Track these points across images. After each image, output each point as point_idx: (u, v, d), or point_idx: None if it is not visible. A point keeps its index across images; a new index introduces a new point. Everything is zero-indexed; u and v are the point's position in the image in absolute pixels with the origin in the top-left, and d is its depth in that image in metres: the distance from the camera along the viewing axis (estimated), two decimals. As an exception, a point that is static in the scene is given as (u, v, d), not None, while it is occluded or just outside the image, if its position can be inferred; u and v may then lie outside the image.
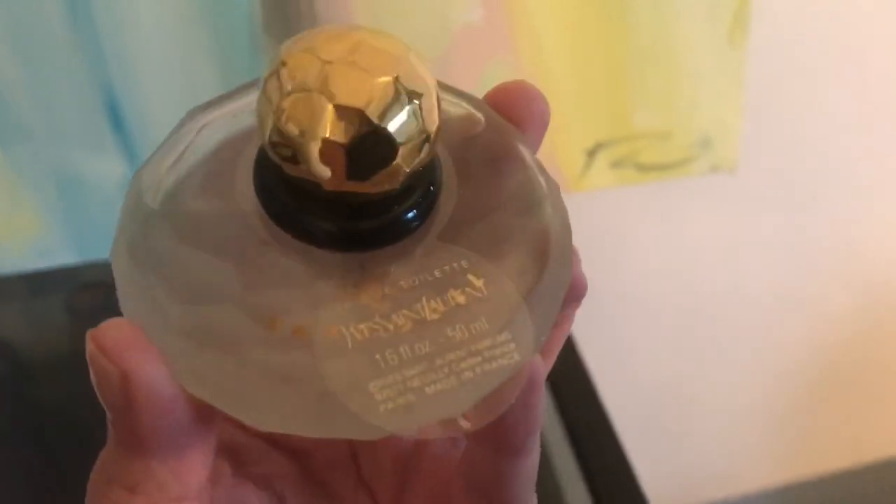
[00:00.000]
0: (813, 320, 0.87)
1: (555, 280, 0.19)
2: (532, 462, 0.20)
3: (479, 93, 0.21)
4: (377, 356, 0.17)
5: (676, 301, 0.78)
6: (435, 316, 0.18)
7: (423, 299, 0.18)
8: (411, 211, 0.19)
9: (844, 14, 0.64)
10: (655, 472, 0.71)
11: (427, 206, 0.19)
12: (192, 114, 0.21)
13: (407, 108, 0.17)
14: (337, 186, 0.17)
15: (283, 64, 0.17)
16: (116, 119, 0.53)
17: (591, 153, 0.60)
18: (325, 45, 0.17)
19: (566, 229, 0.20)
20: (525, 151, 0.21)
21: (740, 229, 0.72)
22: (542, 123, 0.21)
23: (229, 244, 0.19)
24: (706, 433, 0.91)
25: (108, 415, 0.17)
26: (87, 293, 0.62)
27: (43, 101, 0.52)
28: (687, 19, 0.58)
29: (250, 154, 0.19)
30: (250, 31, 0.52)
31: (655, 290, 0.76)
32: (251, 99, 0.19)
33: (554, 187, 0.21)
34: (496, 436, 0.19)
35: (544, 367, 0.19)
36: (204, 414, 0.18)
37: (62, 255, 0.56)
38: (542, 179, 0.21)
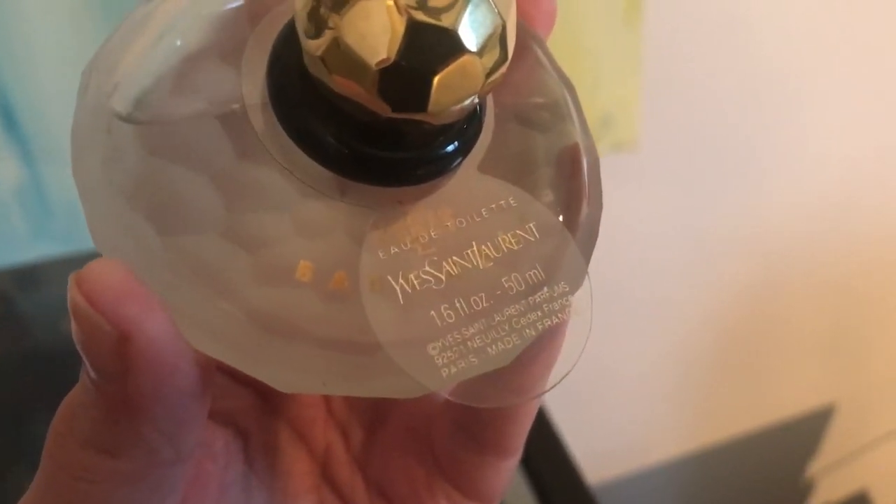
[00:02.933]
0: (714, 292, 0.89)
1: (595, 206, 0.18)
2: (536, 402, 0.19)
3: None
4: (432, 312, 0.15)
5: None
6: (488, 264, 0.16)
7: (473, 244, 0.16)
8: (458, 139, 0.16)
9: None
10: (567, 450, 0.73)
11: (474, 133, 0.17)
12: None
13: (495, 31, 0.14)
14: (403, 116, 0.14)
15: None
16: (9, 119, 0.50)
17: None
18: None
19: (591, 141, 0.18)
20: (541, 52, 0.19)
21: (643, 206, 0.73)
22: (550, 22, 0.19)
23: (233, 168, 0.15)
24: (614, 407, 0.93)
25: (92, 374, 0.14)
26: (-17, 305, 0.59)
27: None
28: (583, 1, 0.60)
29: (257, 50, 0.16)
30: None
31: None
32: None
33: (572, 90, 0.19)
34: (504, 378, 0.17)
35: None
36: (206, 371, 0.15)
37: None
38: (561, 84, 0.18)
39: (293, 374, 0.15)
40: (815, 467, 1.17)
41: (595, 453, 0.97)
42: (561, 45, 0.61)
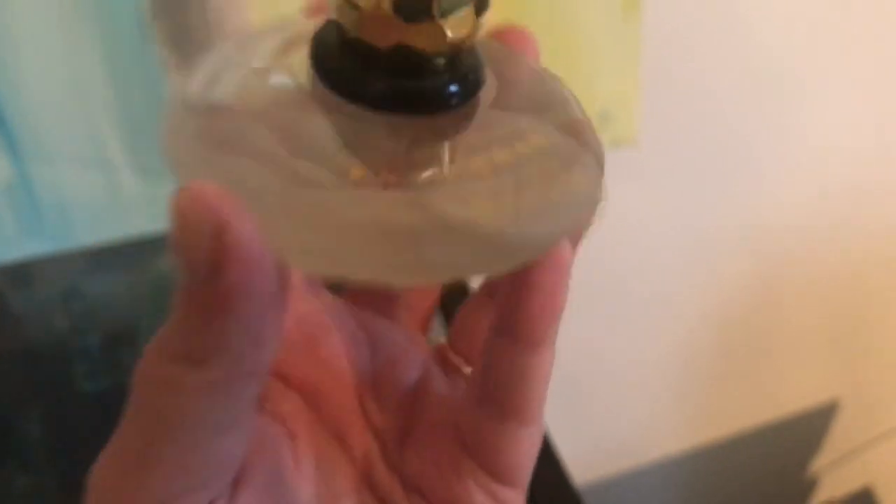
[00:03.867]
0: (715, 289, 0.89)
1: (598, 158, 0.20)
2: (550, 358, 0.21)
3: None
4: (479, 187, 0.18)
5: (582, 274, 0.79)
6: (510, 158, 0.18)
7: (494, 148, 0.18)
8: (466, 79, 0.19)
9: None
10: (563, 444, 0.72)
11: (477, 80, 0.19)
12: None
13: None
14: (399, 38, 0.17)
15: None
16: (-3, 117, 0.50)
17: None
18: None
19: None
20: (533, 62, 0.22)
21: (643, 202, 0.73)
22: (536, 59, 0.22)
23: (301, 117, 0.19)
24: (613, 404, 0.93)
25: (188, 279, 0.16)
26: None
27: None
28: (582, -4, 0.59)
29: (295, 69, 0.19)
30: (137, 22, 0.50)
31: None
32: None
33: (570, 91, 0.21)
34: (517, 325, 0.19)
35: (571, 254, 0.19)
36: (285, 281, 0.17)
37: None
38: (557, 84, 0.21)
39: (372, 265, 0.17)
40: (819, 463, 1.17)
41: (595, 451, 0.97)
42: (559, 40, 0.60)
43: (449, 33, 0.18)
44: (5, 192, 0.52)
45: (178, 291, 0.16)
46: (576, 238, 0.20)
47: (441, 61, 0.18)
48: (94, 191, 0.54)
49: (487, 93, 0.20)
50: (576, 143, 0.20)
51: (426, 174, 0.18)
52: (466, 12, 0.18)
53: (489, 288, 0.25)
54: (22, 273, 0.57)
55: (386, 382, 0.25)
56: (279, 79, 0.20)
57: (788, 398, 1.06)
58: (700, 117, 0.71)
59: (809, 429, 1.12)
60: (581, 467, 0.97)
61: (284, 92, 0.19)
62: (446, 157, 0.19)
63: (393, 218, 0.17)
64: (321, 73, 0.19)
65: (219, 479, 0.19)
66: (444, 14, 0.18)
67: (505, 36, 0.22)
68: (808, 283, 0.94)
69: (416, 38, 0.18)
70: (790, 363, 1.02)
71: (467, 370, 0.25)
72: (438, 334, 0.27)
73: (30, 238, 0.54)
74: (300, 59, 0.19)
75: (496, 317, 0.20)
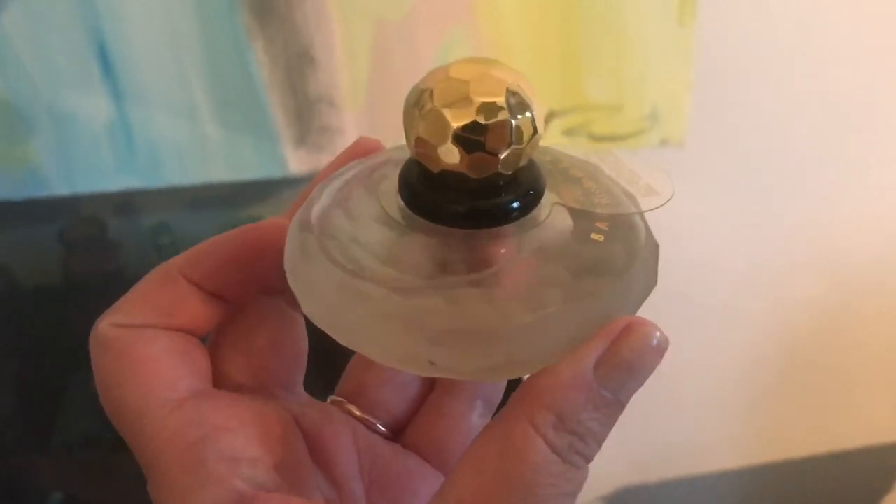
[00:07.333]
0: (782, 309, 0.87)
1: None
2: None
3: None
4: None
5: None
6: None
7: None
8: (527, 195, 0.22)
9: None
10: (624, 446, 0.73)
11: (536, 195, 0.23)
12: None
13: (528, 111, 0.21)
14: (479, 165, 0.21)
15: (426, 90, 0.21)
16: (106, 64, 0.58)
17: (545, 120, 0.64)
18: (458, 68, 0.21)
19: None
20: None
21: (692, 202, 0.74)
22: None
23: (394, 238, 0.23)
24: (670, 414, 0.93)
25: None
26: (81, 226, 0.67)
27: (42, 47, 0.58)
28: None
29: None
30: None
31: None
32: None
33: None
34: None
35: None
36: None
37: (56, 186, 0.62)
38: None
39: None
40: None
41: (645, 454, 0.97)
42: (614, 38, 0.63)
43: (499, 166, 0.21)
44: (108, 130, 0.61)
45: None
46: None
47: (501, 182, 0.21)
48: (181, 137, 0.62)
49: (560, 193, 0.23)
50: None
51: (484, 275, 0.21)
52: (514, 148, 0.20)
53: None
54: (120, 203, 0.66)
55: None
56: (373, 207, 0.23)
57: (858, 432, 1.02)
58: (754, 123, 0.71)
59: (881, 467, 1.07)
60: (629, 469, 0.98)
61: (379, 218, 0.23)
62: (496, 268, 0.22)
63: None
64: (407, 200, 0.22)
65: None
66: (496, 151, 0.20)
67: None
68: (885, 314, 0.91)
69: (473, 168, 0.21)
70: (862, 395, 0.98)
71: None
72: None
73: (124, 173, 0.63)
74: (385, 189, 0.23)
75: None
